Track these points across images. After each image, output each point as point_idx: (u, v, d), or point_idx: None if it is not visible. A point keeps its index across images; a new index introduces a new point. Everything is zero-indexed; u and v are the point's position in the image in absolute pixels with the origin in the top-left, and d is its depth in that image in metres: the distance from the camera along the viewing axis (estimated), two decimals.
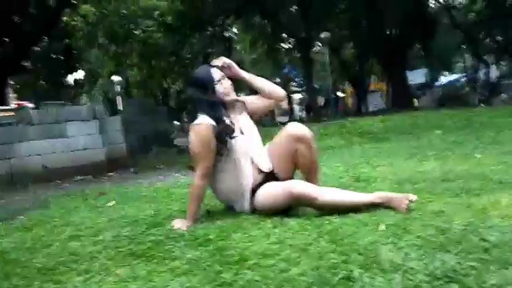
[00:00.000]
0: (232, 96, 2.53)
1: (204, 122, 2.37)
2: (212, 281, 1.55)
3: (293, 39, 21.96)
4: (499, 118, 7.27)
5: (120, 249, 2.07)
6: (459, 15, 23.12)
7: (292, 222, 2.12)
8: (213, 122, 2.37)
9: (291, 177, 2.50)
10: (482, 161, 3.59)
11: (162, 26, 13.68)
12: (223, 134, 2.37)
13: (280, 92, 2.65)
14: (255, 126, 2.59)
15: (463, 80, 34.09)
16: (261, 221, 2.21)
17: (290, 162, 2.47)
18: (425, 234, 1.75)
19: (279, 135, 2.49)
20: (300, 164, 2.48)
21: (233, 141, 2.39)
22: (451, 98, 21.71)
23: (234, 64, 2.56)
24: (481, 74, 30.75)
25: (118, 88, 23.55)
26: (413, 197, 2.14)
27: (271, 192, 2.34)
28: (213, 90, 2.44)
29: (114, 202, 3.44)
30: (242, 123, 2.52)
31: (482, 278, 1.32)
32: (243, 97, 2.73)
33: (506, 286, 1.26)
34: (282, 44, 23.20)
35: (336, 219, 2.07)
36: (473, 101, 20.20)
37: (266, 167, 2.44)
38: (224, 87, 2.48)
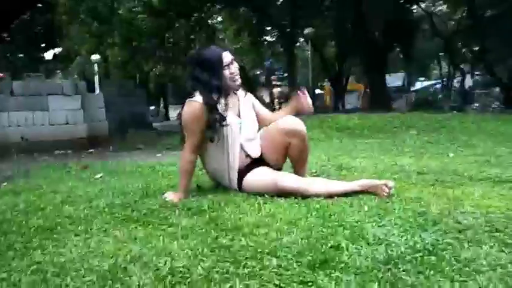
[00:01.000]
0: (238, 82, 2.52)
1: (199, 101, 2.42)
2: (210, 244, 1.67)
3: (277, 33, 22.06)
4: (471, 124, 7.58)
5: (115, 215, 2.15)
6: (440, 23, 23.66)
7: (281, 200, 2.25)
8: (202, 104, 2.40)
9: (281, 165, 2.61)
10: (455, 159, 3.81)
11: (147, 8, 13.55)
12: (214, 123, 2.40)
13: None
14: (253, 114, 2.64)
15: (437, 86, 35.00)
16: (251, 197, 2.33)
17: (282, 154, 2.56)
18: (405, 215, 1.91)
19: (275, 127, 2.53)
20: (291, 156, 2.58)
21: (224, 129, 2.43)
22: (423, 103, 22.29)
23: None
24: (456, 82, 31.62)
25: (96, 67, 23.15)
26: (392, 183, 2.32)
27: (258, 180, 2.44)
28: (220, 74, 2.44)
29: (101, 175, 3.49)
30: (241, 107, 2.57)
31: (457, 253, 1.48)
32: (253, 99, 2.74)
33: (478, 260, 1.42)
34: (266, 37, 23.27)
35: (323, 200, 2.21)
36: (446, 107, 20.79)
37: (255, 153, 2.53)
38: (231, 72, 2.47)
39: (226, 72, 2.47)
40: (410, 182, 2.67)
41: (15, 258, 1.67)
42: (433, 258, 1.45)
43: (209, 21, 19.15)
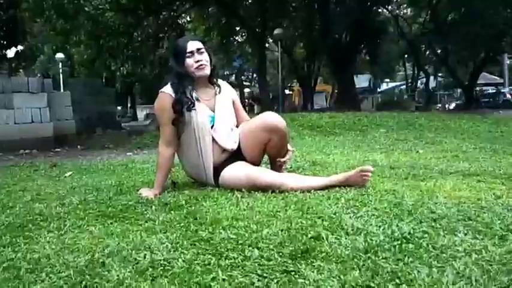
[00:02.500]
0: (202, 72, 2.45)
1: (164, 91, 2.44)
2: (190, 237, 1.65)
3: (245, 33, 22.09)
4: (435, 122, 7.82)
5: (89, 212, 2.10)
6: (405, 25, 24.26)
7: (258, 194, 2.25)
8: (172, 93, 2.42)
9: (258, 161, 2.61)
10: (424, 155, 3.92)
11: (114, 5, 13.27)
12: (179, 105, 2.39)
13: None
14: (231, 108, 2.61)
15: (402, 87, 35.92)
16: (228, 192, 2.32)
17: (260, 149, 2.55)
18: (381, 207, 1.94)
19: (254, 122, 2.54)
20: (269, 152, 2.58)
21: (192, 113, 2.41)
22: (389, 104, 22.86)
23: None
24: (420, 84, 32.52)
25: (60, 66, 22.56)
26: (370, 168, 2.36)
27: (235, 176, 2.41)
28: (183, 62, 2.43)
29: (71, 173, 3.40)
30: (217, 102, 2.53)
31: (434, 240, 1.52)
32: (235, 97, 2.72)
33: (453, 247, 1.46)
34: (236, 37, 23.23)
35: (299, 194, 2.22)
36: (410, 107, 21.37)
37: (230, 146, 2.50)
38: (195, 61, 2.42)
39: (190, 60, 2.43)
40: (383, 176, 2.72)
41: None
42: (410, 246, 1.48)
43: (178, 20, 18.96)
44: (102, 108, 11.01)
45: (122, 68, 15.52)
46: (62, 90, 12.84)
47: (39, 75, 24.26)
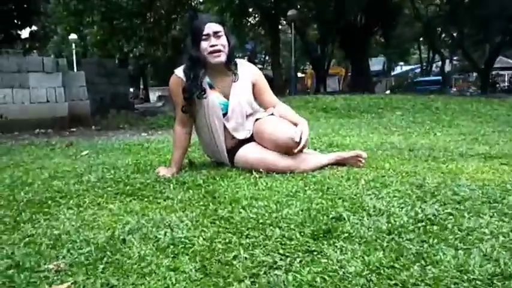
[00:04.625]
0: (217, 60, 2.31)
1: (177, 74, 2.38)
2: (209, 216, 1.64)
3: (258, 14, 21.86)
4: (452, 105, 7.69)
5: (108, 189, 2.10)
6: (421, 8, 23.79)
7: (276, 174, 2.22)
8: (183, 77, 2.34)
9: None
10: (442, 138, 3.85)
11: None
12: (190, 92, 2.32)
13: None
14: (249, 96, 2.45)
15: (416, 71, 35.41)
16: (246, 172, 2.30)
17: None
18: (403, 188, 1.91)
19: (266, 135, 2.33)
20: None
21: (203, 101, 2.33)
22: (403, 87, 22.58)
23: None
24: (434, 67, 32.03)
25: (73, 47, 22.62)
26: (364, 154, 2.43)
27: (249, 159, 2.35)
28: (198, 44, 2.31)
29: (87, 151, 3.41)
30: (232, 90, 2.40)
31: (459, 222, 1.49)
32: (259, 80, 2.50)
33: (479, 229, 1.43)
34: (249, 19, 23.00)
35: (318, 174, 2.20)
36: (424, 92, 21.09)
37: (242, 137, 2.42)
38: (210, 45, 2.29)
39: (205, 43, 2.30)
40: (403, 157, 2.68)
41: (6, 231, 1.61)
42: (435, 227, 1.45)
43: (191, 1, 18.81)
44: (115, 89, 11.01)
45: (134, 50, 15.47)
46: (75, 71, 12.87)
47: (52, 56, 24.36)
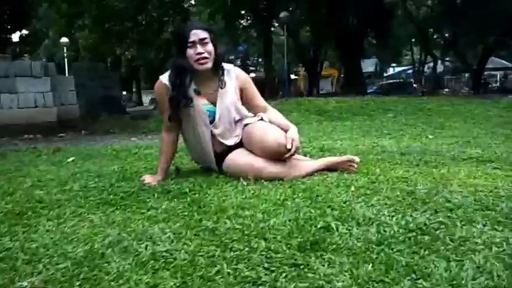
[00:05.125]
0: (203, 67, 2.27)
1: (161, 79, 2.33)
2: (193, 227, 1.58)
3: (250, 17, 21.84)
4: (445, 107, 7.68)
5: (90, 199, 2.03)
6: (413, 9, 23.88)
7: (265, 182, 2.16)
8: (168, 84, 2.28)
9: None
10: (434, 141, 3.82)
11: None
12: (176, 101, 2.25)
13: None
14: (237, 104, 2.39)
15: (409, 72, 35.56)
16: (233, 179, 2.24)
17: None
18: (393, 195, 1.86)
19: (255, 139, 2.29)
20: None
21: (190, 109, 2.27)
22: (396, 88, 22.63)
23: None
24: (426, 68, 32.18)
25: (65, 50, 22.46)
26: (357, 159, 2.35)
27: (238, 165, 2.29)
28: (184, 52, 2.26)
29: (73, 158, 3.34)
30: (219, 96, 2.35)
31: (451, 232, 1.44)
32: (247, 84, 2.44)
33: (472, 239, 1.38)
34: (241, 21, 22.97)
35: (308, 181, 2.14)
36: (417, 92, 21.14)
37: (230, 143, 2.37)
38: (195, 53, 2.24)
39: (191, 51, 2.25)
40: (394, 162, 2.63)
41: None
42: (426, 238, 1.40)
43: (183, 3, 18.75)
44: (106, 92, 10.94)
45: (126, 53, 15.40)
46: (66, 75, 12.77)
47: (44, 59, 24.19)
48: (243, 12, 21.79)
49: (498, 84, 27.48)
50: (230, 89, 2.38)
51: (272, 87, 17.05)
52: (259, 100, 2.50)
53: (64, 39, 21.12)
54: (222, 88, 2.36)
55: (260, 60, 31.91)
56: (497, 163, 2.56)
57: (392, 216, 1.60)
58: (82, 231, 1.63)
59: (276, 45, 24.91)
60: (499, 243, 1.34)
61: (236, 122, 2.40)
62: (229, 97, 2.37)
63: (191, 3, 21.91)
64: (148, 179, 2.31)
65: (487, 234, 1.42)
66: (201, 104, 2.32)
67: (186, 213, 1.75)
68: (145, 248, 1.41)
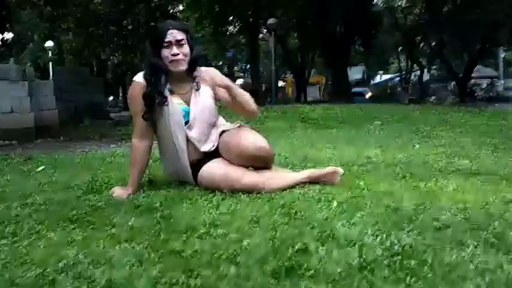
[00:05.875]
0: (177, 68, 2.19)
1: (135, 80, 2.24)
2: (158, 248, 1.43)
3: (239, 23, 21.76)
4: (431, 115, 7.63)
5: (52, 214, 1.87)
6: (400, 17, 24.05)
7: (242, 195, 2.03)
8: (144, 83, 2.19)
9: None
10: (421, 151, 3.72)
11: None
12: (151, 98, 2.16)
13: (255, 110, 2.33)
14: (212, 106, 2.30)
15: (395, 80, 35.80)
16: (209, 192, 2.10)
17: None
18: (377, 212, 1.74)
19: (233, 141, 2.17)
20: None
21: (164, 108, 2.17)
22: (383, 97, 22.71)
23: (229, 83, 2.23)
24: (413, 76, 32.42)
25: (50, 54, 22.11)
26: (340, 170, 2.25)
27: (213, 176, 2.16)
28: (159, 52, 2.18)
29: (43, 167, 3.16)
30: (193, 97, 2.25)
31: (440, 255, 1.32)
32: (218, 80, 2.25)
33: (463, 264, 1.26)
34: (229, 27, 22.87)
35: (287, 195, 2.01)
36: (404, 100, 21.22)
37: (205, 149, 2.24)
38: (171, 54, 2.16)
39: (166, 51, 2.17)
40: (379, 174, 2.52)
41: None
42: (413, 262, 1.27)
43: (170, 8, 18.60)
44: (90, 97, 10.71)
45: (112, 57, 15.18)
46: (51, 79, 12.52)
47: (29, 63, 23.81)
48: (231, 18, 21.72)
49: (483, 92, 27.75)
50: (205, 91, 2.29)
51: (259, 94, 16.92)
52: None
53: (49, 43, 20.81)
54: (196, 90, 2.27)
55: (248, 66, 31.84)
56: (485, 176, 2.46)
57: (377, 236, 1.47)
58: (37, 252, 1.47)
59: (264, 51, 24.88)
60: (493, 270, 1.22)
61: (211, 125, 2.30)
62: (203, 98, 2.28)
63: (179, 9, 21.77)
64: (117, 191, 2.15)
65: (478, 258, 1.30)
66: (176, 102, 2.22)
67: (153, 232, 1.60)
68: (102, 273, 1.26)
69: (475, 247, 1.38)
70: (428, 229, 1.53)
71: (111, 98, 28.58)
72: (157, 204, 1.91)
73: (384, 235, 1.48)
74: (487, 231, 1.50)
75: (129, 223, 1.70)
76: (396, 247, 1.37)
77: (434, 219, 1.63)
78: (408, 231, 1.52)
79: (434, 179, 2.37)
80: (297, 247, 1.39)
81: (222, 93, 2.30)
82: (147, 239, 1.52)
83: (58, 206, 1.99)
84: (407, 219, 1.64)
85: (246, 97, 2.29)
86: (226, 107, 2.41)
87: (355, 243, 1.42)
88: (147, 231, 1.61)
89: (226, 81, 2.24)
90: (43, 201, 2.07)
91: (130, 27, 15.59)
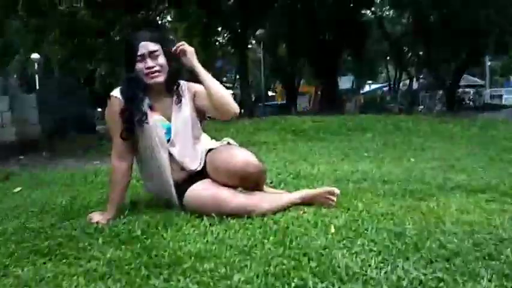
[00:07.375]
0: (154, 81, 2.05)
1: (112, 95, 2.08)
2: (138, 287, 1.28)
3: (228, 34, 21.70)
4: (423, 126, 7.56)
5: (23, 245, 1.70)
6: (388, 26, 24.20)
7: (231, 220, 1.87)
8: (121, 97, 2.05)
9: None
10: (417, 164, 3.61)
11: (89, 3, 12.70)
12: (129, 115, 2.01)
13: (233, 106, 2.09)
14: (195, 119, 2.17)
15: (384, 89, 36.03)
16: (196, 217, 1.94)
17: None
18: (379, 238, 1.60)
19: (221, 158, 2.05)
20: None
21: (145, 125, 2.02)
22: (372, 106, 22.74)
23: (190, 49, 2.09)
24: (402, 85, 32.65)
25: (36, 66, 21.79)
26: (337, 191, 2.10)
27: (200, 198, 2.01)
28: (132, 66, 2.04)
29: (20, 188, 2.98)
30: (174, 112, 2.12)
31: None
32: (197, 87, 2.16)
33: None
34: (217, 38, 22.80)
35: (281, 219, 1.87)
36: (393, 109, 21.26)
37: (192, 167, 2.10)
38: (146, 67, 2.02)
39: (140, 65, 2.03)
40: (377, 192, 2.38)
41: None
42: None
43: (158, 19, 18.45)
44: (76, 109, 10.47)
45: (98, 69, 14.93)
46: (35, 91, 12.26)
47: (15, 75, 23.46)
48: (219, 29, 21.65)
49: (470, 102, 27.94)
50: (185, 103, 2.15)
51: (249, 105, 16.80)
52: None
53: (35, 55, 20.49)
54: (177, 104, 2.13)
55: (237, 76, 31.79)
56: (489, 193, 2.34)
57: (381, 269, 1.33)
58: None
59: (253, 61, 24.80)
60: None
61: (195, 139, 2.16)
62: (185, 112, 2.14)
63: (168, 20, 21.62)
64: (96, 217, 1.99)
65: None
66: (156, 119, 2.07)
67: (133, 266, 1.44)
68: None
69: (489, 280, 1.25)
70: (436, 259, 1.39)
71: (99, 109, 28.23)
72: (138, 233, 1.75)
73: (389, 267, 1.34)
74: (499, 260, 1.37)
75: (107, 255, 1.54)
76: (404, 282, 1.24)
77: (441, 246, 1.49)
78: (415, 261, 1.38)
79: (434, 197, 2.25)
80: (293, 284, 1.25)
81: (201, 99, 2.15)
82: (126, 275, 1.37)
83: (30, 235, 1.82)
84: (413, 246, 1.51)
85: (220, 88, 2.11)
86: (212, 121, 2.27)
87: (357, 278, 1.28)
88: (127, 265, 1.45)
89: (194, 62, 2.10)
90: (15, 230, 1.91)
91: (117, 38, 15.36)
